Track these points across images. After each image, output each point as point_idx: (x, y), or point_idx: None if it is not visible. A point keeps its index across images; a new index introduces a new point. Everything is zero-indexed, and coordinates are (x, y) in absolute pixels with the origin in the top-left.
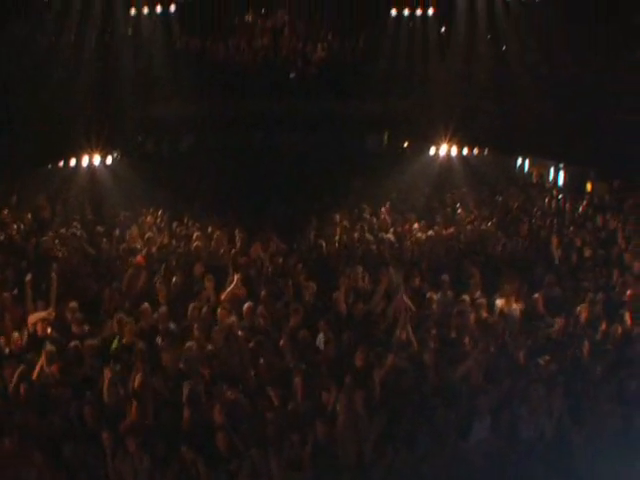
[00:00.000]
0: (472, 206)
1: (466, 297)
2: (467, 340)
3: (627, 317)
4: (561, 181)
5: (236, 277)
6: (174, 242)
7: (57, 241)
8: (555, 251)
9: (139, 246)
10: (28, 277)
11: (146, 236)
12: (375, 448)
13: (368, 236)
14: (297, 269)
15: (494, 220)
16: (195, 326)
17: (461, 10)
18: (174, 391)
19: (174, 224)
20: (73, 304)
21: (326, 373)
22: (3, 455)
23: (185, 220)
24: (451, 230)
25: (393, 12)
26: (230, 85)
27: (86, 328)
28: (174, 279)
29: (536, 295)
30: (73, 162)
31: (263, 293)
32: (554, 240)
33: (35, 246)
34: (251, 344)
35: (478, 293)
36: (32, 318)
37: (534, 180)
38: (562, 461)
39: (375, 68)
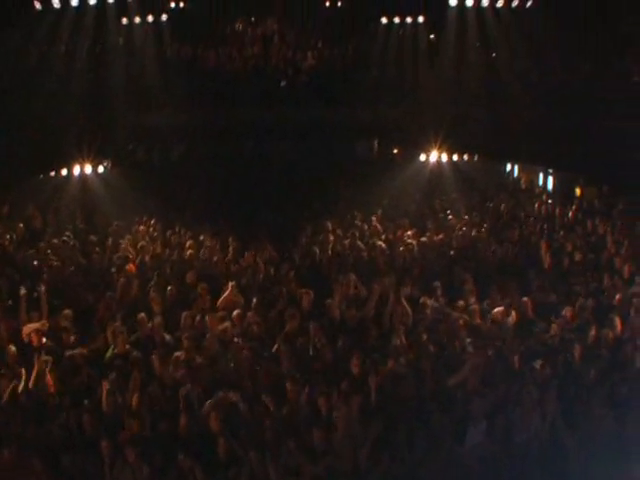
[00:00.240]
0: (463, 212)
1: (461, 303)
2: (463, 346)
3: (617, 321)
4: (550, 186)
5: (230, 284)
6: (167, 251)
7: (49, 251)
8: (545, 256)
9: (131, 255)
10: (22, 291)
11: (139, 245)
12: (371, 454)
13: (359, 243)
14: (289, 277)
15: (485, 226)
16: (185, 335)
17: (451, 18)
18: (171, 399)
19: (167, 232)
20: (67, 312)
21: (322, 379)
22: (2, 466)
23: (177, 229)
24: (442, 236)
25: (383, 20)
26: (221, 93)
27: (72, 338)
28: (169, 288)
29: (525, 299)
30: (65, 171)
31: (255, 300)
32: (543, 245)
33: (27, 256)
34: (245, 351)
35: (472, 299)
36: (26, 329)
37: (523, 185)
38: (556, 464)
39: (365, 76)
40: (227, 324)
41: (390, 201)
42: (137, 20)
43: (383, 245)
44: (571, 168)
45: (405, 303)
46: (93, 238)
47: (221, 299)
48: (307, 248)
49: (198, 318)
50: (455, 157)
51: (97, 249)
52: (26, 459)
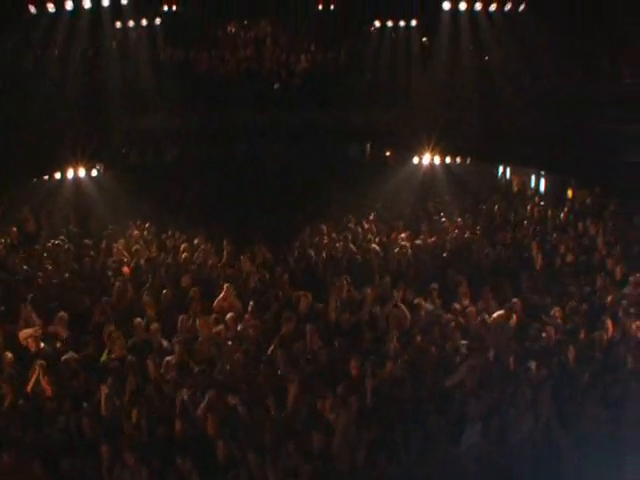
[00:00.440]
0: (456, 215)
1: (455, 305)
2: (457, 348)
3: (609, 323)
4: (542, 188)
5: (225, 287)
6: (162, 254)
7: (46, 254)
8: (536, 256)
9: (126, 259)
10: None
11: (134, 248)
12: (368, 455)
13: (351, 246)
14: (284, 280)
15: (478, 228)
16: (176, 339)
17: (444, 21)
18: (167, 403)
19: (162, 236)
20: (62, 314)
21: (319, 382)
22: (2, 470)
23: (171, 232)
24: (435, 239)
25: (376, 23)
26: (214, 96)
27: (59, 345)
28: (164, 291)
29: (514, 300)
30: (58, 175)
31: (251, 303)
32: (534, 245)
33: (19, 260)
34: (238, 354)
35: (466, 301)
36: (22, 334)
37: (515, 188)
38: (550, 465)
39: (358, 79)
40: (221, 327)
41: (384, 204)
42: (131, 24)
43: (377, 248)
44: (563, 170)
45: (402, 305)
46: (88, 242)
47: (216, 302)
48: (302, 251)
49: (190, 321)
50: (448, 160)
51: (92, 253)
52: (26, 463)
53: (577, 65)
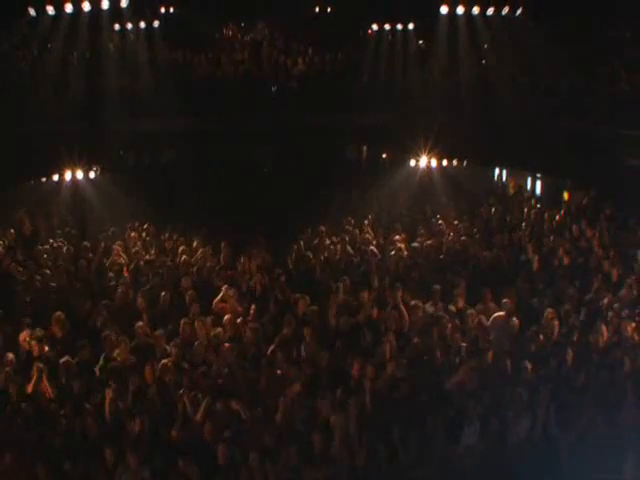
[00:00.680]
0: (452, 217)
1: (452, 307)
2: (455, 349)
3: (605, 325)
4: (539, 191)
5: (224, 289)
6: (161, 256)
7: (45, 255)
8: (533, 259)
9: (124, 261)
10: None
11: (133, 250)
12: (367, 455)
13: (349, 248)
14: (282, 282)
15: (475, 231)
16: (174, 342)
17: (441, 25)
18: (168, 406)
19: (161, 238)
20: (59, 314)
21: (318, 384)
22: (4, 470)
23: (169, 234)
24: (432, 241)
25: (374, 26)
26: (211, 98)
27: (46, 348)
28: (162, 294)
29: (505, 300)
30: (56, 177)
31: (253, 307)
32: (530, 247)
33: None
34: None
35: (462, 303)
36: (23, 336)
37: (511, 190)
38: (548, 465)
39: (355, 81)
40: (219, 329)
41: (380, 206)
42: (129, 26)
43: (375, 250)
44: (559, 173)
45: (402, 307)
46: (86, 244)
47: (214, 303)
48: (300, 253)
49: (189, 324)
50: (444, 162)
51: (90, 255)
52: (28, 464)
53: (573, 68)
